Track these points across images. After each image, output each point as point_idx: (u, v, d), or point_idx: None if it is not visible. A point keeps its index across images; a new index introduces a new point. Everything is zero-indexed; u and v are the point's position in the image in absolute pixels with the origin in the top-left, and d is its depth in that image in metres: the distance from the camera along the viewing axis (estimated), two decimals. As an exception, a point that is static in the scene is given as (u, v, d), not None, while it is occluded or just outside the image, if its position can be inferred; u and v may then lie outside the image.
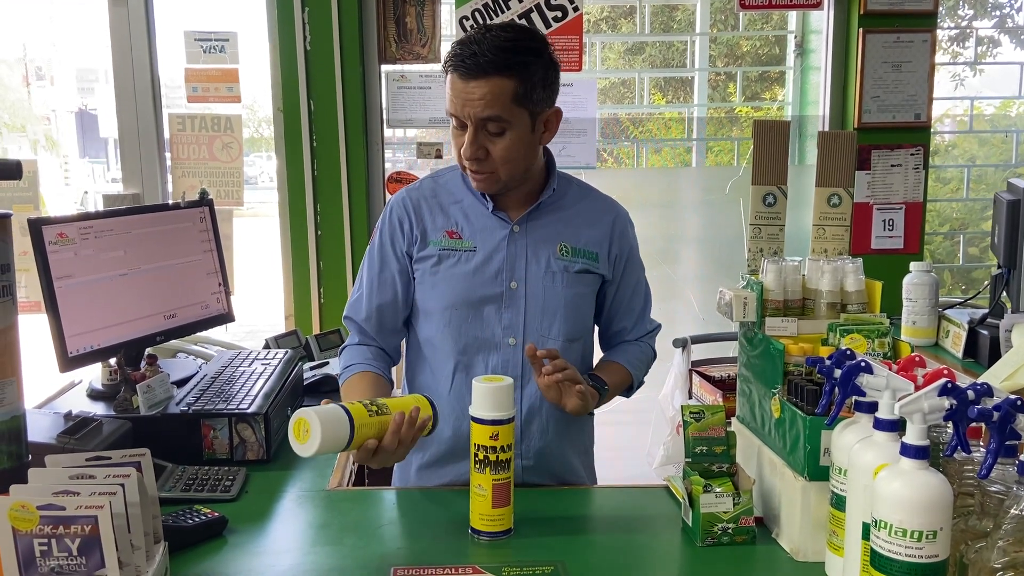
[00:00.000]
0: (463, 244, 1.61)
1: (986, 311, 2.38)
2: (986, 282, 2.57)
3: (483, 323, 1.60)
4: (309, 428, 1.20)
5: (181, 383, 1.79)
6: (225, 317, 2.11)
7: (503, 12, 2.79)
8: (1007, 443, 0.96)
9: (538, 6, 2.81)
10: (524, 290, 1.60)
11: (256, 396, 1.68)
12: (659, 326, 1.80)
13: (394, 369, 1.73)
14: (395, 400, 1.35)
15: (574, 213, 1.66)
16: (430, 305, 1.62)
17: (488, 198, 1.61)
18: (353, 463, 1.70)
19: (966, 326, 2.35)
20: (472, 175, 1.56)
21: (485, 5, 2.79)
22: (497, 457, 1.28)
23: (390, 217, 1.65)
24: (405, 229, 1.63)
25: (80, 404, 1.71)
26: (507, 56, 1.45)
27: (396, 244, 1.64)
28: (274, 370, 1.85)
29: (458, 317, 1.60)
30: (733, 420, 1.46)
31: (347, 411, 1.25)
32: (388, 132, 2.95)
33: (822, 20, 3.04)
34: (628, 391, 1.74)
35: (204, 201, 2.08)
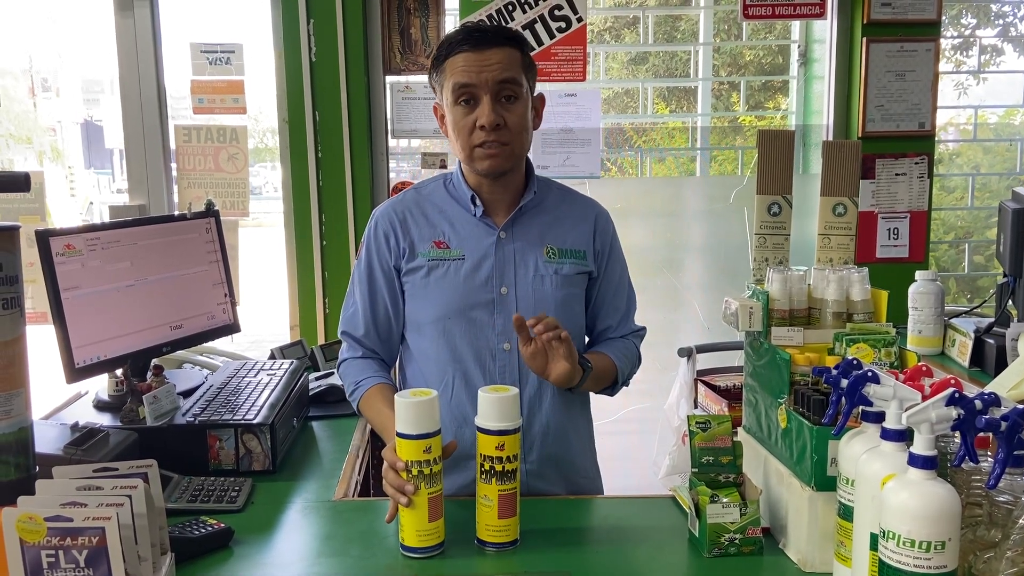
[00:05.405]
0: (451, 253, 1.62)
1: (992, 320, 2.37)
2: (992, 290, 2.57)
3: (477, 330, 1.60)
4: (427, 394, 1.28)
5: (187, 394, 1.80)
6: (231, 327, 2.12)
7: (507, 23, 2.80)
8: (1015, 453, 0.96)
9: (542, 17, 2.82)
10: (514, 295, 1.61)
11: (262, 407, 1.68)
12: (644, 329, 1.80)
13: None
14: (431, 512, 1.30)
15: (557, 215, 1.67)
16: (423, 316, 1.63)
17: (475, 204, 1.62)
18: (358, 473, 1.70)
19: (972, 335, 2.34)
20: (487, 150, 1.55)
21: (489, 16, 2.81)
22: (503, 467, 1.28)
23: (375, 232, 1.66)
24: (391, 243, 1.64)
25: (87, 415, 1.72)
26: (507, 32, 1.60)
27: (383, 259, 1.65)
28: (280, 380, 1.86)
29: (452, 326, 1.60)
30: (739, 430, 1.46)
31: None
32: (392, 142, 2.96)
33: (825, 30, 3.05)
34: (612, 387, 1.72)
35: (210, 212, 2.09)
